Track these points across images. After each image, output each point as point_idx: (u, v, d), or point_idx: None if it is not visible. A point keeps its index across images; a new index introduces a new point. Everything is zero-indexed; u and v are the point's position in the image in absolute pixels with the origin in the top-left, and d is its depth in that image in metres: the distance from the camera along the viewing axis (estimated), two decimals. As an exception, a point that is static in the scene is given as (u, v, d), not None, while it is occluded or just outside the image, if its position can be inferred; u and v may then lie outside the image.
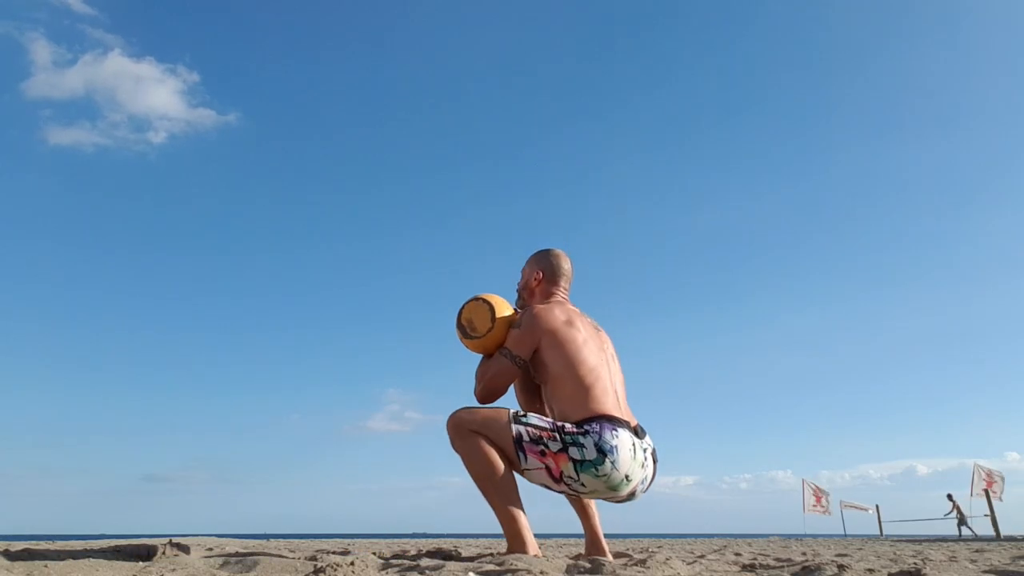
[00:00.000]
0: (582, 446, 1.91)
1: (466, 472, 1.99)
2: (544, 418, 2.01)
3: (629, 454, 1.93)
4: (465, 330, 2.21)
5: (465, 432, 1.98)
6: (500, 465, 1.95)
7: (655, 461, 2.10)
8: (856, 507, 21.15)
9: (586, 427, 1.94)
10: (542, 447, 1.93)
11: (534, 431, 1.95)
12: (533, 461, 1.95)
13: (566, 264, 2.38)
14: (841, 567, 1.75)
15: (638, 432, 2.05)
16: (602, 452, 1.90)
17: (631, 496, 2.06)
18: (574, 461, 1.91)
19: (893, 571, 1.76)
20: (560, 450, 1.92)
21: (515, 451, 1.95)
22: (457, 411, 2.03)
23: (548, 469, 1.94)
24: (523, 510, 1.96)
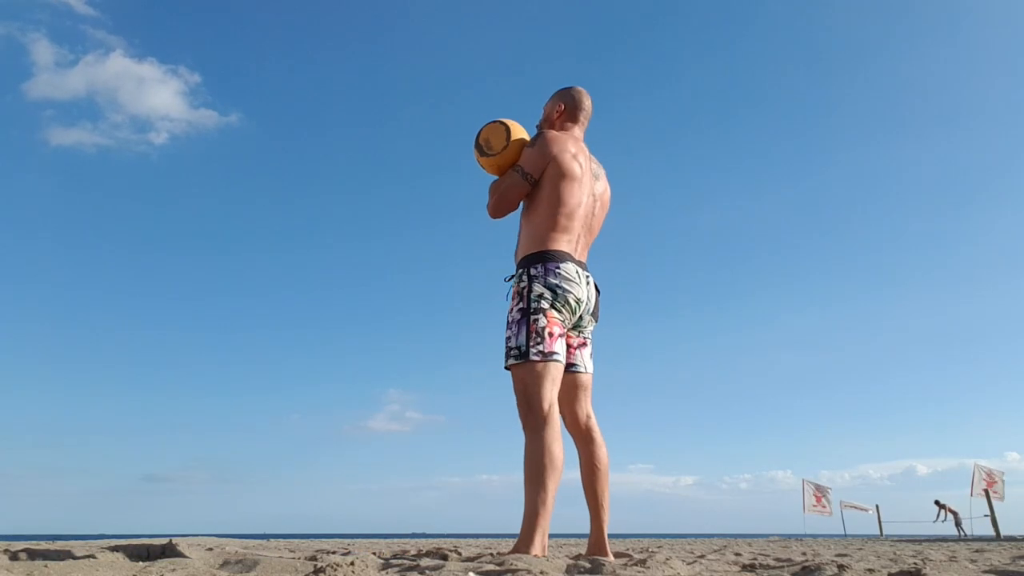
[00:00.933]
0: (541, 294, 2.12)
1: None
2: (513, 320, 2.15)
3: (574, 279, 2.17)
4: (482, 148, 2.34)
5: (539, 423, 2.03)
6: (551, 464, 1.99)
7: (598, 291, 2.33)
8: (856, 507, 21.15)
9: (531, 273, 2.15)
10: (545, 331, 2.09)
11: (534, 337, 2.08)
12: (558, 345, 2.12)
13: (587, 101, 2.50)
14: (841, 567, 1.74)
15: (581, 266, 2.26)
16: (552, 290, 2.13)
17: (585, 319, 2.27)
18: (552, 307, 2.12)
19: (893, 571, 1.75)
20: (543, 312, 2.11)
21: (551, 363, 2.09)
22: (520, 404, 2.09)
23: (560, 335, 2.13)
24: (548, 513, 1.98)
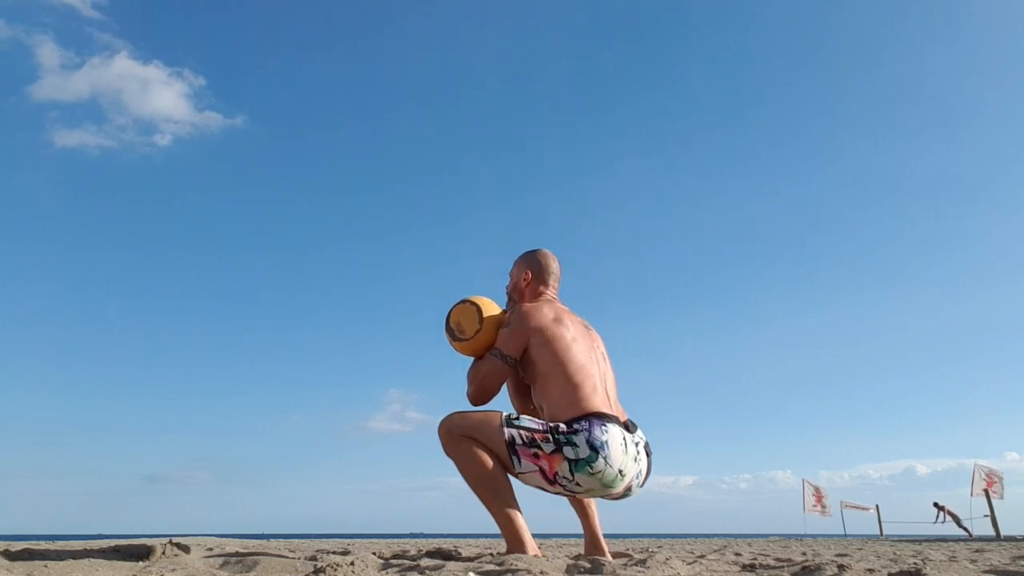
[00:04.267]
0: (575, 445, 1.90)
1: (460, 476, 1.99)
2: (536, 420, 2.00)
3: (620, 449, 1.93)
4: (454, 333, 2.22)
5: (457, 437, 1.97)
6: (494, 468, 1.94)
7: (648, 455, 2.10)
8: (856, 507, 21.14)
9: (576, 426, 1.93)
10: (535, 449, 1.92)
11: (527, 434, 1.94)
12: (527, 464, 1.94)
13: (554, 264, 2.40)
14: (841, 567, 1.75)
15: (628, 427, 2.04)
16: (594, 449, 1.89)
17: (627, 492, 2.06)
18: (568, 461, 1.90)
19: (893, 571, 1.76)
20: (554, 451, 1.91)
21: (508, 455, 1.94)
22: (449, 416, 2.02)
23: (542, 471, 1.93)
24: (520, 511, 1.96)
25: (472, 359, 2.25)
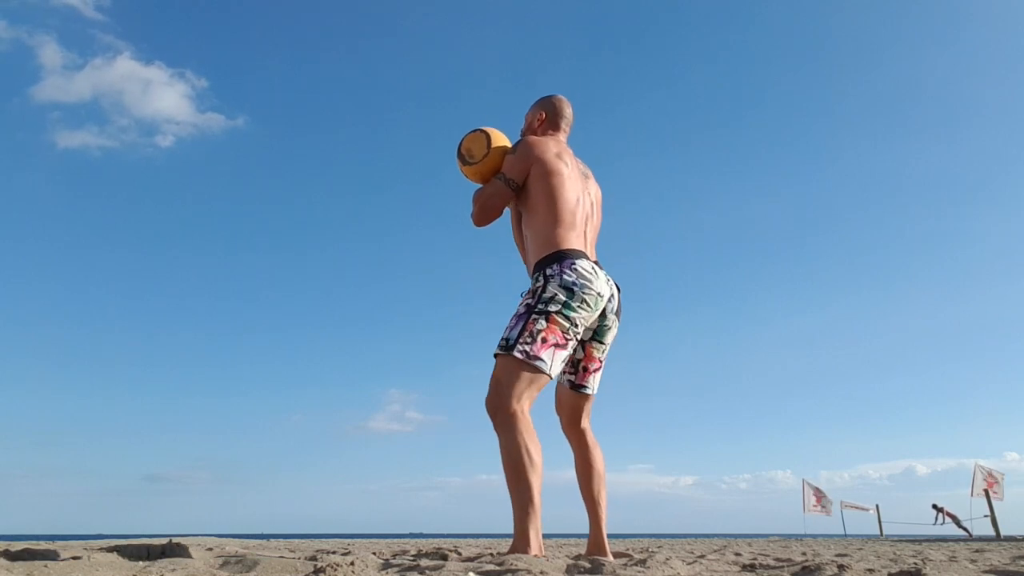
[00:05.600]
0: (553, 296, 2.05)
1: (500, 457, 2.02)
2: (517, 313, 2.08)
3: (591, 275, 2.10)
4: (464, 158, 2.34)
5: (507, 420, 1.99)
6: (530, 462, 1.96)
7: (618, 288, 2.28)
8: (856, 507, 21.13)
9: (547, 273, 2.09)
10: (540, 335, 2.02)
11: (525, 334, 2.02)
12: (548, 355, 2.03)
13: (568, 109, 2.49)
14: (841, 567, 1.75)
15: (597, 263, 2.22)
16: (568, 289, 2.06)
17: (605, 324, 2.22)
18: (559, 314, 2.05)
19: (893, 571, 1.76)
20: (547, 316, 2.04)
21: (536, 369, 2.01)
22: (488, 392, 2.05)
23: (557, 343, 2.04)
24: (538, 511, 1.96)
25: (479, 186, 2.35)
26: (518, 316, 2.10)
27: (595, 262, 2.22)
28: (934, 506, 18.29)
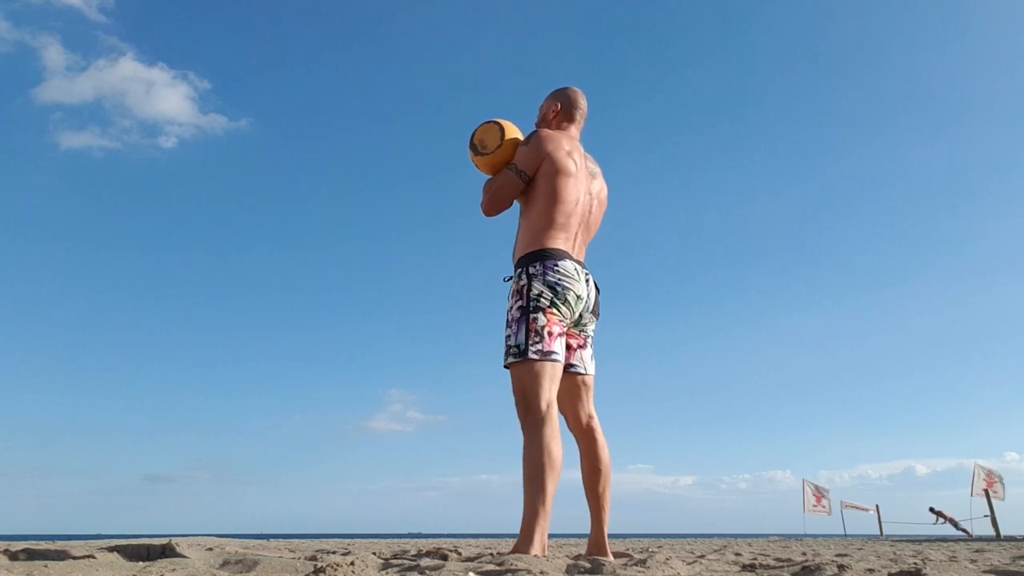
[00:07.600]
0: (541, 292, 2.13)
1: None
2: (513, 319, 2.15)
3: (573, 277, 2.17)
4: (476, 148, 2.37)
5: (537, 423, 2.03)
6: (550, 464, 1.98)
7: (597, 289, 2.34)
8: (856, 507, 21.12)
9: (530, 271, 2.15)
10: (544, 330, 2.09)
11: (532, 336, 2.09)
12: (556, 344, 2.12)
13: (583, 101, 2.51)
14: (841, 567, 1.75)
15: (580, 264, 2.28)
16: (552, 288, 2.13)
17: (585, 316, 2.28)
18: (552, 306, 2.13)
19: (893, 571, 1.76)
20: (543, 311, 2.12)
21: (550, 362, 2.09)
22: (518, 403, 2.09)
23: (559, 334, 2.13)
24: (548, 513, 1.98)
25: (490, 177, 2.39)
26: (516, 321, 2.14)
27: (580, 263, 2.27)
28: (931, 509, 18.26)
